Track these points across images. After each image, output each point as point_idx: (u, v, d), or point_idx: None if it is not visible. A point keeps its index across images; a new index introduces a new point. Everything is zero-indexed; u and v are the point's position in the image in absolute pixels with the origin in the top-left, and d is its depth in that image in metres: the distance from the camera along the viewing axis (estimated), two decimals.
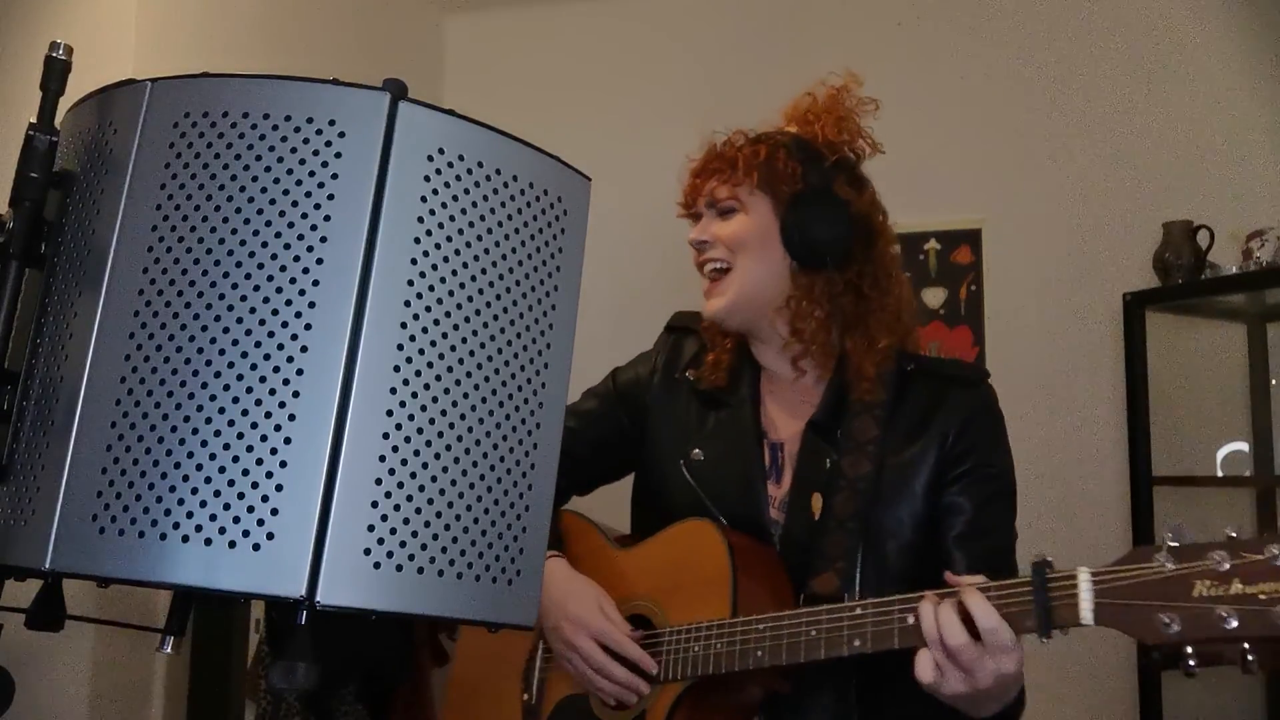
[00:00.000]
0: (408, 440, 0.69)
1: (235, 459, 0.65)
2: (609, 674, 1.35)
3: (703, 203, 1.45)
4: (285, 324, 0.67)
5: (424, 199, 0.71)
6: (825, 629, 1.18)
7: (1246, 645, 0.89)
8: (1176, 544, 0.94)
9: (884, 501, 1.32)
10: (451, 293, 0.72)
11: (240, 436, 0.66)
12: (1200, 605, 0.90)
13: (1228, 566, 0.89)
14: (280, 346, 0.67)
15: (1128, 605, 0.95)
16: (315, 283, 0.68)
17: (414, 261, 0.70)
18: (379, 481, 0.68)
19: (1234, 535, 0.90)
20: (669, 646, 1.34)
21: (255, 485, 0.65)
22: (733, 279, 1.39)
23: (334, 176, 0.69)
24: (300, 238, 0.68)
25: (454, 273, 0.72)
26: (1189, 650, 0.92)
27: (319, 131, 0.70)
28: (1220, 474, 2.60)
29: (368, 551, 0.67)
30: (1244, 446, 2.59)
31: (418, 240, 0.71)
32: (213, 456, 0.65)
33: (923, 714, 1.26)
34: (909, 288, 1.46)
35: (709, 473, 1.42)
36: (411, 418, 0.69)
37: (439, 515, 0.70)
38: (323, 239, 0.68)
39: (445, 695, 1.65)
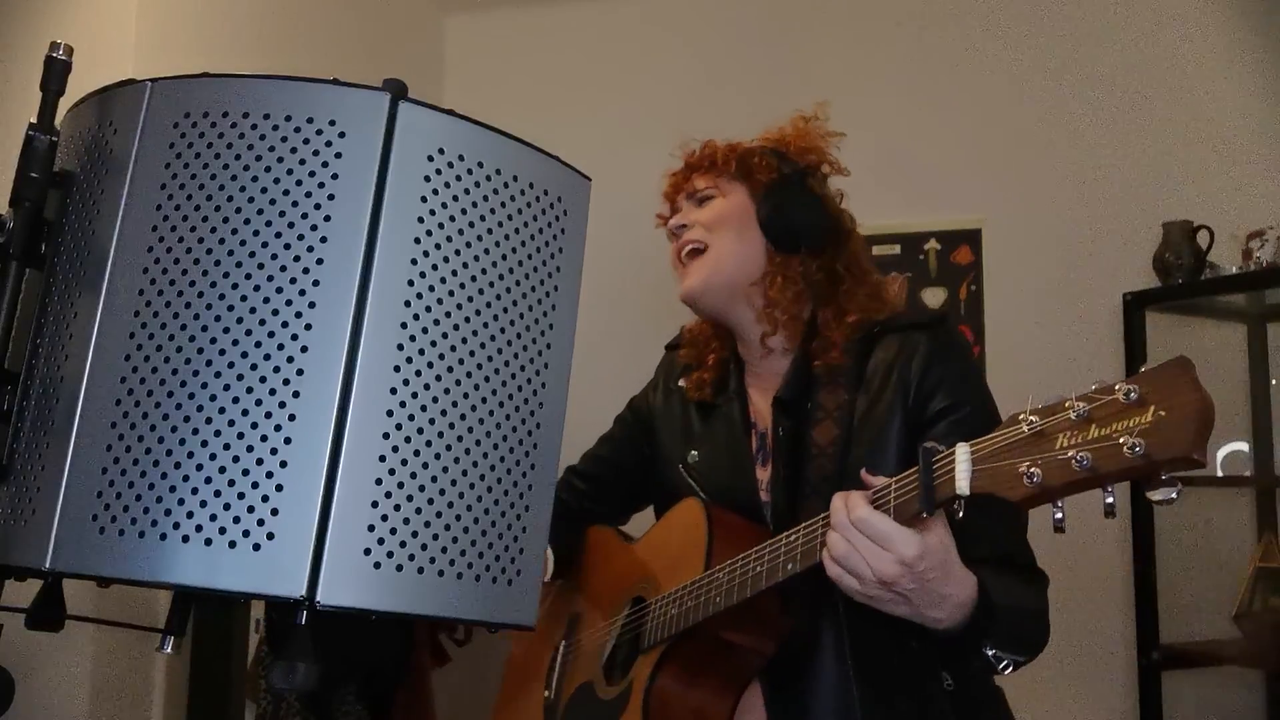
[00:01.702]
0: (408, 440, 0.69)
1: (235, 459, 0.65)
2: None
3: (681, 198, 1.51)
4: (285, 324, 0.67)
5: (424, 199, 0.71)
6: (766, 562, 1.20)
7: (1108, 489, 0.88)
8: (1041, 404, 0.93)
9: (856, 461, 1.31)
10: (451, 293, 0.72)
11: (240, 436, 0.66)
12: (1059, 453, 0.89)
13: (1085, 412, 0.88)
14: (280, 346, 0.67)
15: (996, 467, 0.95)
16: (315, 283, 0.68)
17: (414, 261, 0.70)
18: (379, 481, 0.68)
19: (1095, 387, 0.89)
20: (653, 616, 1.37)
21: (255, 485, 0.65)
22: (708, 257, 1.44)
23: (334, 176, 0.69)
24: (300, 238, 0.68)
25: (454, 273, 0.72)
26: (1057, 504, 0.91)
27: (319, 131, 0.70)
28: (1220, 474, 2.59)
29: (368, 551, 0.67)
30: (1244, 446, 2.59)
31: (418, 240, 0.71)
32: (213, 456, 0.65)
33: (913, 663, 1.27)
34: (890, 286, 1.48)
35: (706, 471, 1.46)
36: (411, 418, 0.69)
37: (439, 515, 0.70)
38: (323, 239, 0.68)
39: (495, 704, 1.72)
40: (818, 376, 1.38)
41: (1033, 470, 0.91)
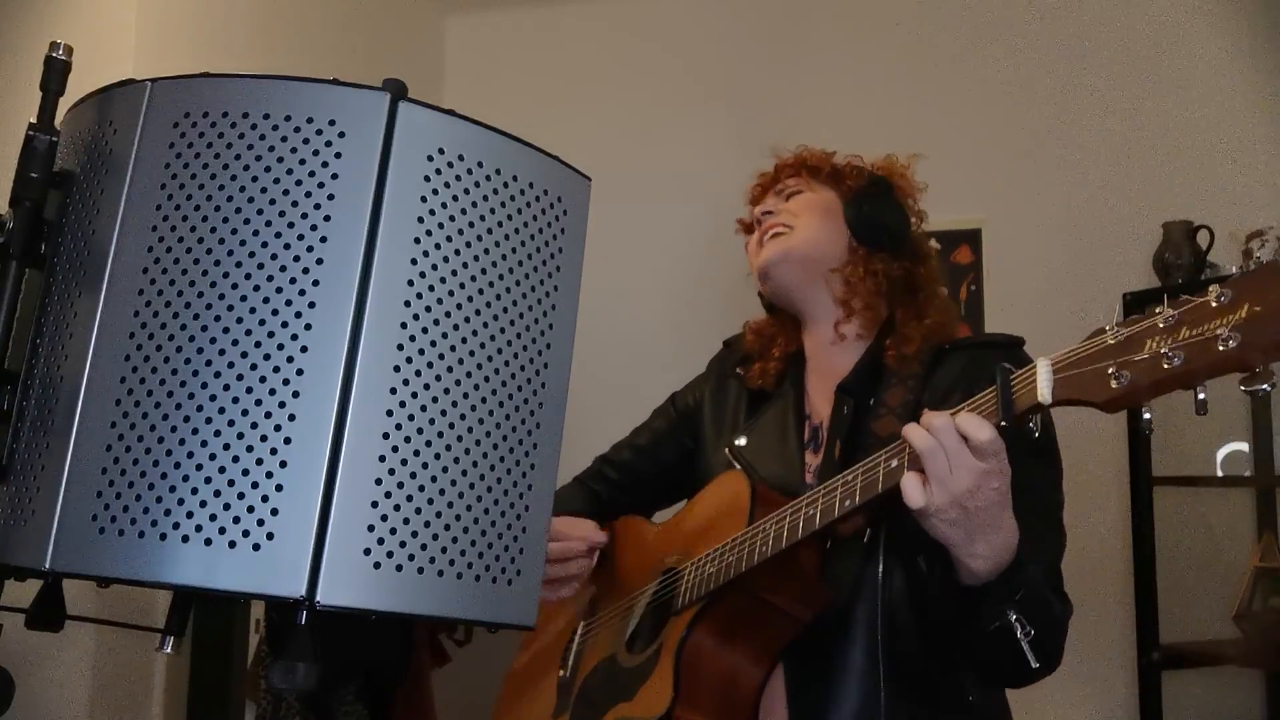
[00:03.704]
0: (408, 440, 0.69)
1: (235, 459, 0.65)
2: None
3: (769, 195, 1.55)
4: (285, 324, 0.67)
5: (424, 199, 0.71)
6: (821, 503, 1.19)
7: (1199, 387, 0.89)
8: (1127, 316, 0.96)
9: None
10: (451, 293, 0.72)
11: (240, 436, 0.66)
12: (1149, 355, 0.91)
13: (1175, 318, 0.90)
14: (280, 346, 0.67)
15: (1080, 373, 0.96)
16: (315, 283, 0.68)
17: (414, 261, 0.70)
18: (379, 481, 0.68)
19: (1184, 297, 0.92)
20: (689, 577, 1.36)
21: (255, 485, 0.65)
22: (790, 235, 1.47)
23: (334, 176, 0.69)
24: (300, 238, 0.68)
25: (454, 273, 0.72)
26: (1144, 406, 0.93)
27: (319, 131, 0.70)
28: (1220, 474, 2.59)
29: (368, 551, 0.67)
30: (1244, 446, 2.58)
31: (418, 240, 0.71)
32: (213, 456, 0.65)
33: (941, 667, 1.27)
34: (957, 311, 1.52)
35: (752, 455, 1.47)
36: (411, 418, 0.69)
37: (439, 515, 0.70)
38: (323, 239, 0.68)
39: (501, 689, 1.72)
40: (888, 369, 1.40)
41: (1121, 372, 0.92)
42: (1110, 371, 0.93)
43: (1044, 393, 0.98)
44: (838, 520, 1.17)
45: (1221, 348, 0.86)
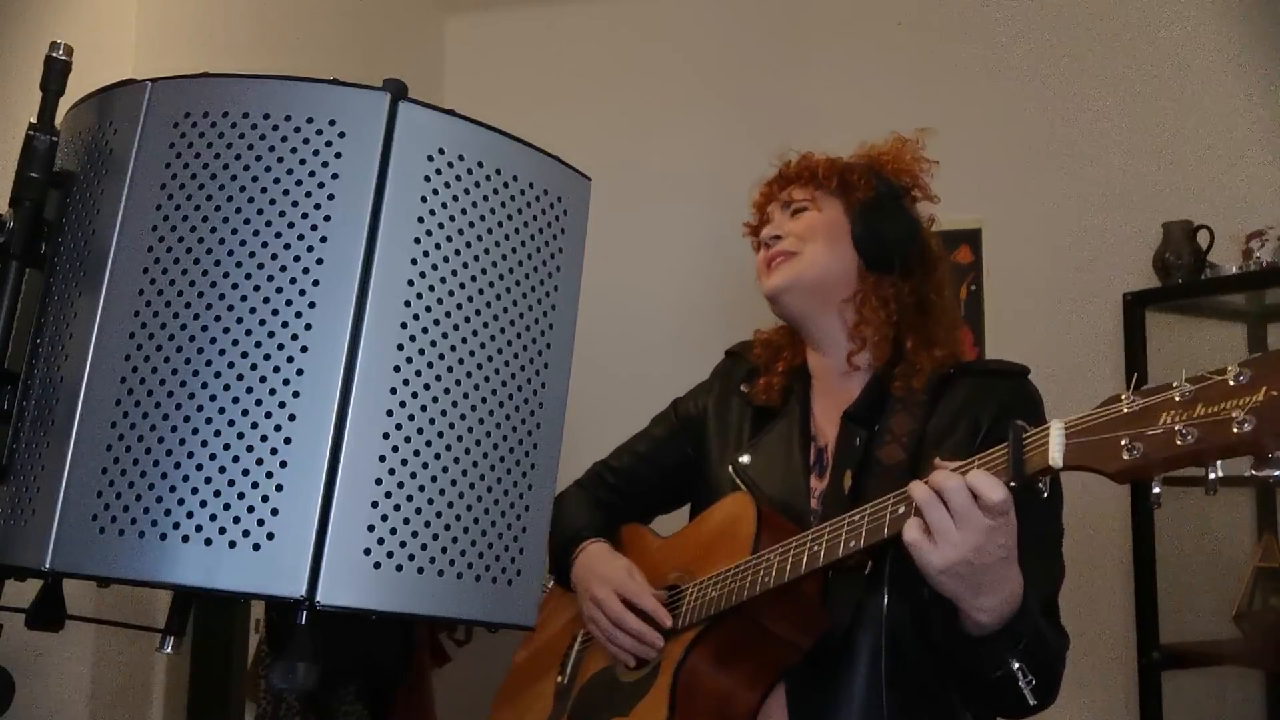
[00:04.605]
0: (408, 440, 0.69)
1: (235, 459, 0.65)
2: (623, 622, 1.39)
3: (775, 207, 1.52)
4: (285, 324, 0.67)
5: (424, 199, 0.71)
6: (826, 540, 1.19)
7: (1210, 465, 0.90)
8: (1144, 386, 0.96)
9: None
10: (451, 293, 0.72)
11: (240, 436, 0.66)
12: (1163, 429, 0.91)
13: (1191, 394, 0.90)
14: (280, 346, 0.67)
15: (1093, 440, 0.97)
16: (315, 283, 0.68)
17: (414, 261, 0.71)
18: (379, 481, 0.68)
19: (1203, 373, 0.92)
20: (691, 598, 1.37)
21: (255, 485, 0.65)
22: (797, 260, 1.45)
23: (334, 176, 0.69)
24: (300, 238, 0.68)
25: (454, 273, 0.72)
26: (1155, 479, 0.94)
27: (319, 131, 0.70)
28: (1220, 474, 2.59)
29: (368, 551, 0.67)
30: None
31: (418, 240, 0.71)
32: (213, 456, 0.65)
33: (944, 696, 1.27)
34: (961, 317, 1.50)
35: (757, 475, 1.46)
36: (411, 418, 0.69)
37: (439, 515, 0.70)
38: (323, 239, 0.69)
39: (499, 690, 1.72)
40: (893, 399, 1.39)
41: (1134, 444, 0.93)
42: (1124, 443, 0.93)
43: (1055, 457, 0.99)
44: (841, 559, 1.17)
45: (1236, 430, 0.86)
